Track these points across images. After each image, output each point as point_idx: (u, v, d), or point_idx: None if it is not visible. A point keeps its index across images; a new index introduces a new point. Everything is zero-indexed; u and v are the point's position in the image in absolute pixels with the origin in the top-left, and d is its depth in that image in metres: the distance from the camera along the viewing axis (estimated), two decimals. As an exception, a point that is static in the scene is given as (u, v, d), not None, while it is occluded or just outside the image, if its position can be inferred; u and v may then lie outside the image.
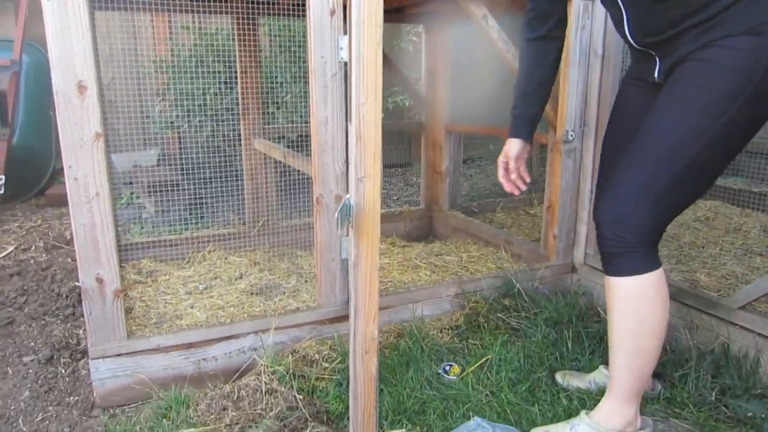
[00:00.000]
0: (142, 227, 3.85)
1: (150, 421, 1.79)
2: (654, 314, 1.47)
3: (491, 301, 2.45)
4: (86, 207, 1.78)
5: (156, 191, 3.93)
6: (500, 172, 1.89)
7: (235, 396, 1.88)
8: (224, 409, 1.83)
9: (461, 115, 3.52)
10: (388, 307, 2.33)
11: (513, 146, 1.87)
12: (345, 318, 2.21)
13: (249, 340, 2.11)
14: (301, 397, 1.86)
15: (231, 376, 2.06)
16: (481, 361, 2.10)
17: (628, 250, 1.45)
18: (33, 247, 3.52)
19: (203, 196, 3.61)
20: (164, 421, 1.78)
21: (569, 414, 1.81)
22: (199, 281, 2.90)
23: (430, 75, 3.48)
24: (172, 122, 3.84)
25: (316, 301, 2.27)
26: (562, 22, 1.78)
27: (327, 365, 2.06)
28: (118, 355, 1.93)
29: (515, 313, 2.39)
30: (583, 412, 1.67)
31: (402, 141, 4.27)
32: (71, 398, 1.99)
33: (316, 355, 2.10)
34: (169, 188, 3.86)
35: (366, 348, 1.26)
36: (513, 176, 1.88)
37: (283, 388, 1.90)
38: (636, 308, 1.48)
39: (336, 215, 1.10)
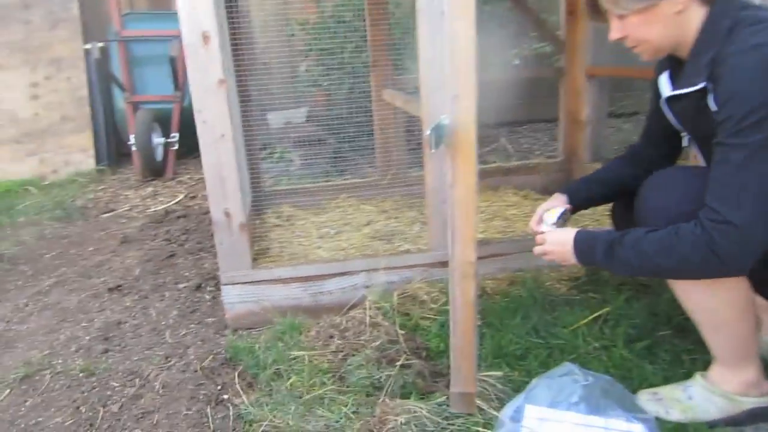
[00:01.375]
0: (289, 179, 4.15)
1: (268, 342, 1.97)
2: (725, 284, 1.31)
3: (618, 254, 2.26)
4: (213, 147, 1.97)
5: (302, 145, 4.21)
6: (534, 219, 1.72)
7: (342, 326, 1.98)
8: (331, 337, 1.95)
9: (605, 59, 3.23)
10: (503, 254, 2.27)
11: (560, 198, 1.74)
12: (454, 262, 2.19)
13: (361, 278, 2.20)
14: (403, 332, 1.91)
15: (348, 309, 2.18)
16: (597, 313, 1.96)
17: None
18: (199, 195, 3.99)
19: (342, 149, 3.78)
20: (279, 343, 1.94)
21: (688, 376, 1.63)
22: (331, 226, 3.07)
23: (569, 15, 3.23)
24: (316, 81, 4.05)
25: (428, 244, 2.29)
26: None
27: (433, 306, 2.08)
28: (245, 282, 2.13)
29: (645, 268, 2.18)
30: (697, 374, 1.50)
31: (550, 93, 4.06)
32: (209, 319, 2.26)
33: (424, 296, 2.13)
34: (313, 142, 4.11)
35: (463, 272, 1.24)
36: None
37: (386, 323, 1.96)
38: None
39: (429, 133, 1.09)
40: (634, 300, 2.05)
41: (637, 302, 2.03)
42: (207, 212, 3.53)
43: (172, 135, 4.52)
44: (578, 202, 1.73)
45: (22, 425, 1.66)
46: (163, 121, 4.51)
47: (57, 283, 2.69)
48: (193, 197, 3.99)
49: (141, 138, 4.23)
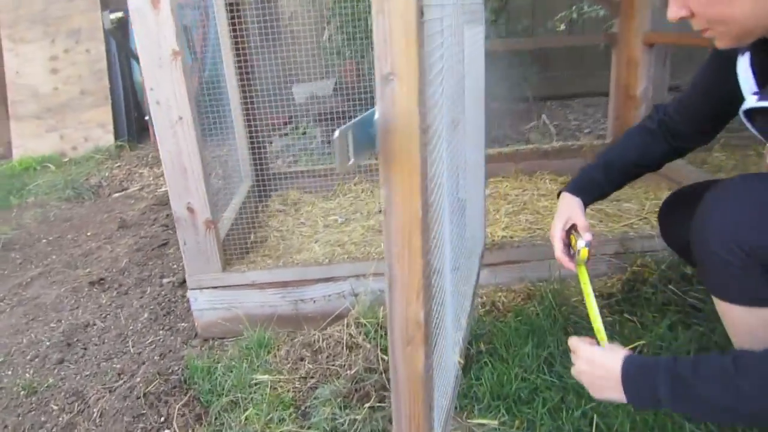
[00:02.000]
0: (311, 154, 3.85)
1: (232, 361, 1.69)
2: None
3: (665, 267, 1.84)
4: (170, 132, 1.67)
5: (324, 120, 3.89)
6: (558, 247, 1.34)
7: (317, 346, 1.68)
8: (302, 359, 1.65)
9: (666, 25, 2.70)
10: (521, 261, 1.89)
11: (576, 206, 1.33)
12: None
13: (348, 285, 1.88)
14: (385, 359, 1.58)
15: (331, 320, 1.87)
16: (631, 346, 1.57)
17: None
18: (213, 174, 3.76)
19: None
20: (243, 363, 1.66)
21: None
22: (340, 214, 2.76)
23: (624, -29, 2.72)
24: (338, 50, 3.69)
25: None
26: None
27: (429, 324, 1.74)
28: (215, 287, 1.86)
29: (698, 287, 1.75)
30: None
31: (605, 66, 3.56)
32: (182, 324, 2.00)
33: (421, 311, 1.79)
34: (336, 117, 3.78)
35: (407, 337, 0.83)
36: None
37: (368, 345, 1.64)
38: None
39: (337, 135, 0.69)
40: (680, 327, 1.63)
41: (685, 331, 1.61)
42: (215, 195, 3.29)
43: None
44: (594, 199, 1.37)
45: (-59, 452, 1.46)
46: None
47: (41, 273, 2.51)
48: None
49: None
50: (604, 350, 1.04)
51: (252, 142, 2.81)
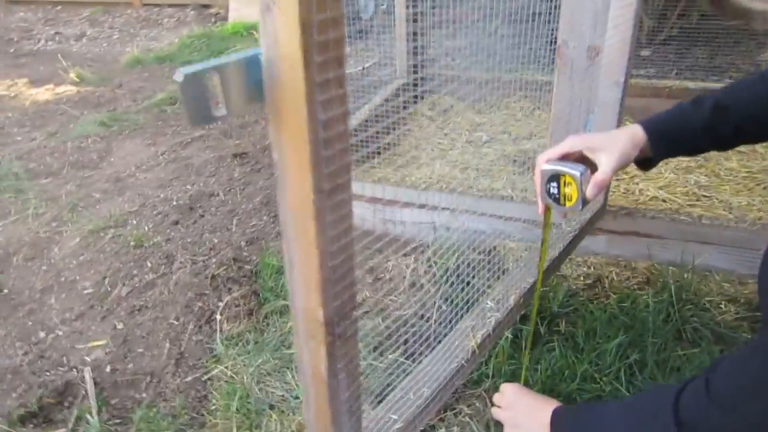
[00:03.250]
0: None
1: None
2: None
3: None
4: None
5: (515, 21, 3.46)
6: (539, 179, 0.93)
7: (380, 275, 1.57)
8: (360, 282, 1.56)
9: None
10: (649, 235, 1.51)
11: (622, 137, 0.88)
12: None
13: (444, 217, 1.70)
14: (444, 307, 1.42)
15: (412, 249, 1.74)
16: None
17: None
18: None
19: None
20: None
21: None
22: (487, 131, 2.50)
23: None
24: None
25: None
26: None
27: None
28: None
29: None
30: None
31: None
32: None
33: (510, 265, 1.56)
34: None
35: (310, 331, 0.64)
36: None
37: (431, 288, 1.49)
38: None
39: (180, 80, 0.48)
40: None
41: None
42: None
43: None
44: (673, 144, 0.90)
45: (60, 278, 1.72)
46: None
47: (201, 137, 2.74)
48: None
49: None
50: (525, 395, 1.02)
51: (414, 35, 2.61)
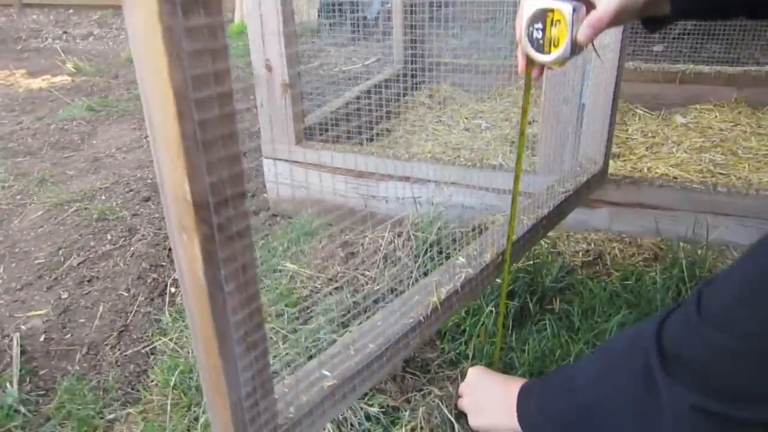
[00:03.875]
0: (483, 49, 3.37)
1: (277, 241, 1.53)
2: None
3: None
4: (251, -31, 1.45)
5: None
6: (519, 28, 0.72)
7: (356, 249, 1.42)
8: (332, 257, 1.41)
9: None
10: (658, 207, 1.34)
11: None
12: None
13: (429, 190, 1.54)
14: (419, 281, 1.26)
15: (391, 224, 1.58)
16: None
17: None
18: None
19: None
20: (281, 247, 1.49)
21: None
22: (486, 119, 2.36)
23: None
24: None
25: (533, 165, 1.48)
26: None
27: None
28: (287, 161, 1.68)
29: None
30: None
31: None
32: (264, 195, 1.89)
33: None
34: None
35: (181, 220, 0.48)
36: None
37: (409, 263, 1.33)
38: None
39: None
40: None
41: None
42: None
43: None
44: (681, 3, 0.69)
45: (15, 248, 1.59)
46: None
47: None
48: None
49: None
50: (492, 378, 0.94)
51: (410, 24, 2.49)
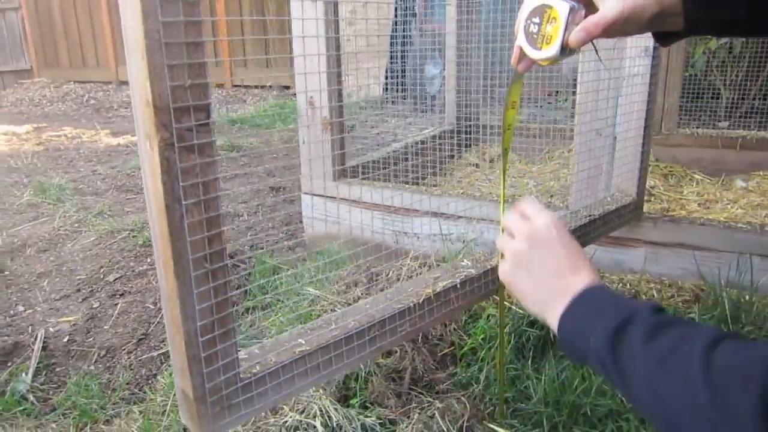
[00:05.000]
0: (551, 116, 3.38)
1: (305, 270, 1.54)
2: None
3: None
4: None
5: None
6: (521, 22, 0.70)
7: (377, 277, 1.40)
8: (355, 284, 1.39)
9: None
10: (700, 248, 1.25)
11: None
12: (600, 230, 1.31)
13: (460, 227, 1.52)
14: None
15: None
16: None
17: None
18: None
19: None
20: (307, 273, 1.49)
21: None
22: (535, 179, 2.34)
23: None
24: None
25: (566, 201, 1.44)
26: None
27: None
28: (323, 196, 1.71)
29: None
30: None
31: None
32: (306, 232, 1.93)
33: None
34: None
35: (146, 126, 0.50)
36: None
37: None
38: None
39: None
40: None
41: None
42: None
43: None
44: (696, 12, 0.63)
45: (62, 267, 1.67)
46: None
47: (245, 174, 2.75)
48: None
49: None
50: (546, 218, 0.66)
51: (463, 89, 2.56)
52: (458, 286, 0.83)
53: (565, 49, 0.65)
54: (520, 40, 0.70)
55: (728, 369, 0.42)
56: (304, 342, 0.67)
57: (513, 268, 0.66)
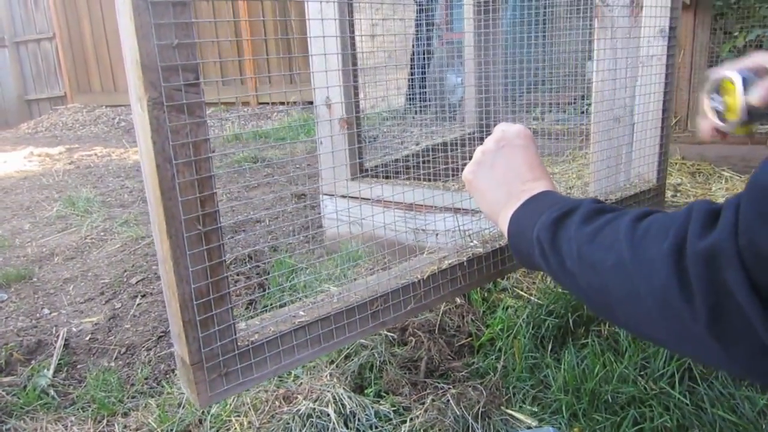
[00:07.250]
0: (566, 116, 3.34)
1: (323, 269, 1.53)
2: None
3: None
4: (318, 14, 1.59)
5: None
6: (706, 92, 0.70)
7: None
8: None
9: None
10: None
11: None
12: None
13: (480, 222, 1.50)
14: (465, 325, 1.20)
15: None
16: None
17: None
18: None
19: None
20: (324, 270, 1.49)
21: None
22: (559, 180, 2.30)
23: None
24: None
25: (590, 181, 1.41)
26: None
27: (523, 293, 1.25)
28: (343, 196, 1.71)
29: None
30: None
31: None
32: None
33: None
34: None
35: (137, 86, 0.51)
36: None
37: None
38: None
39: None
40: None
41: None
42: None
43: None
44: None
45: (88, 272, 1.71)
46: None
47: (267, 183, 2.79)
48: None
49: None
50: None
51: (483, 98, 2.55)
52: (465, 264, 0.82)
53: (752, 110, 0.65)
54: (714, 121, 0.70)
55: (649, 228, 0.44)
56: (303, 313, 0.67)
57: (476, 167, 0.66)
